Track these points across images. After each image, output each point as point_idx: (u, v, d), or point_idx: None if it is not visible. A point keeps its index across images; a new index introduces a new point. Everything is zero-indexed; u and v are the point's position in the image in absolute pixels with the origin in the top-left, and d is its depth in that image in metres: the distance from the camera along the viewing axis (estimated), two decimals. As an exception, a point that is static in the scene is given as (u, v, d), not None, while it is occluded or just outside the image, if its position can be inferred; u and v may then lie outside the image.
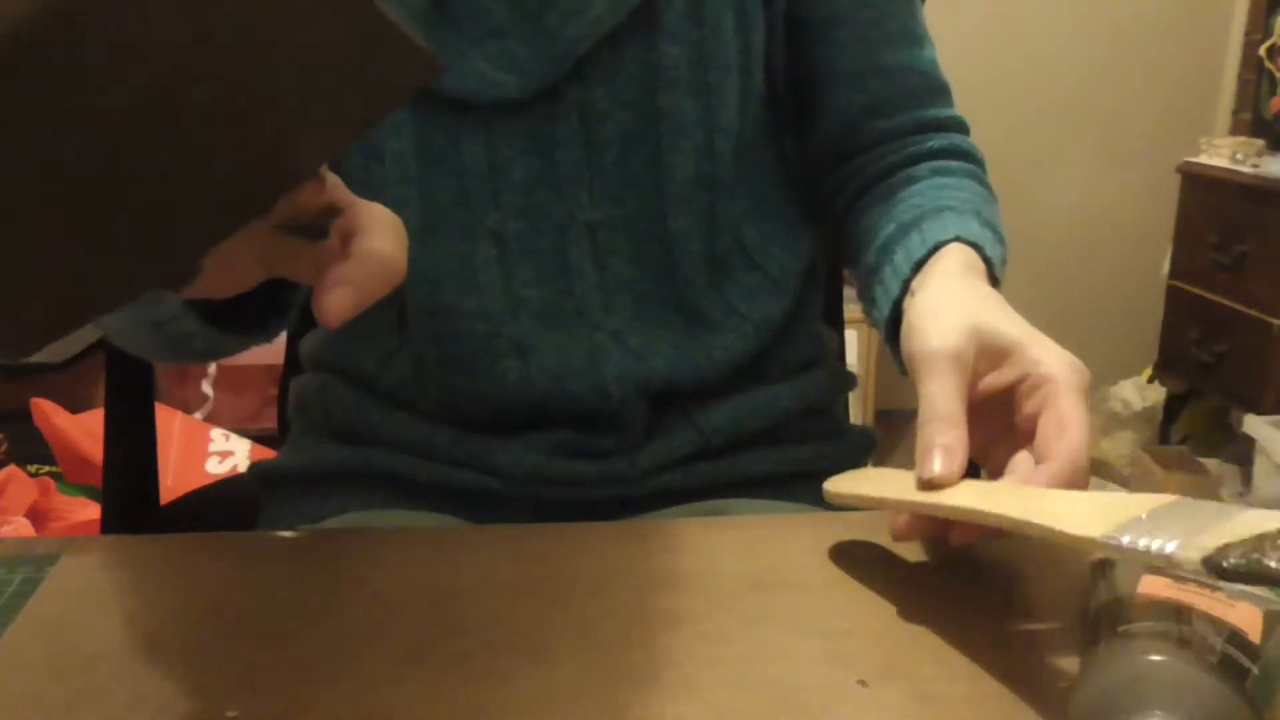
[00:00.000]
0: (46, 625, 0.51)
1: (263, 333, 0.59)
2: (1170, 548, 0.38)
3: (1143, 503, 0.43)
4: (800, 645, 0.50)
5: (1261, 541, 0.37)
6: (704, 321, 0.74)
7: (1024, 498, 0.47)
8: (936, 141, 0.77)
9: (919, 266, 0.66)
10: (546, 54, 0.68)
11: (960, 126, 0.79)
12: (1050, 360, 0.54)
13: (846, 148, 0.79)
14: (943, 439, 0.52)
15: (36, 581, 0.56)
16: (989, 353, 0.56)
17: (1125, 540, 0.39)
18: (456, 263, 0.71)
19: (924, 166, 0.76)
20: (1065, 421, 0.52)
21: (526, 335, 0.71)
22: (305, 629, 0.51)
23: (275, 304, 0.57)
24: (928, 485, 0.51)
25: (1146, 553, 0.39)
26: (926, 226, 0.68)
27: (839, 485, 0.57)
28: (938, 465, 0.52)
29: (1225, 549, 0.37)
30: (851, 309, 1.02)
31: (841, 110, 0.77)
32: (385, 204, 0.48)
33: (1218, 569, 0.37)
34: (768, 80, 0.76)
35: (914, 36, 0.78)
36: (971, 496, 0.49)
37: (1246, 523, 0.38)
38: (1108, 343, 3.16)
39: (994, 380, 0.56)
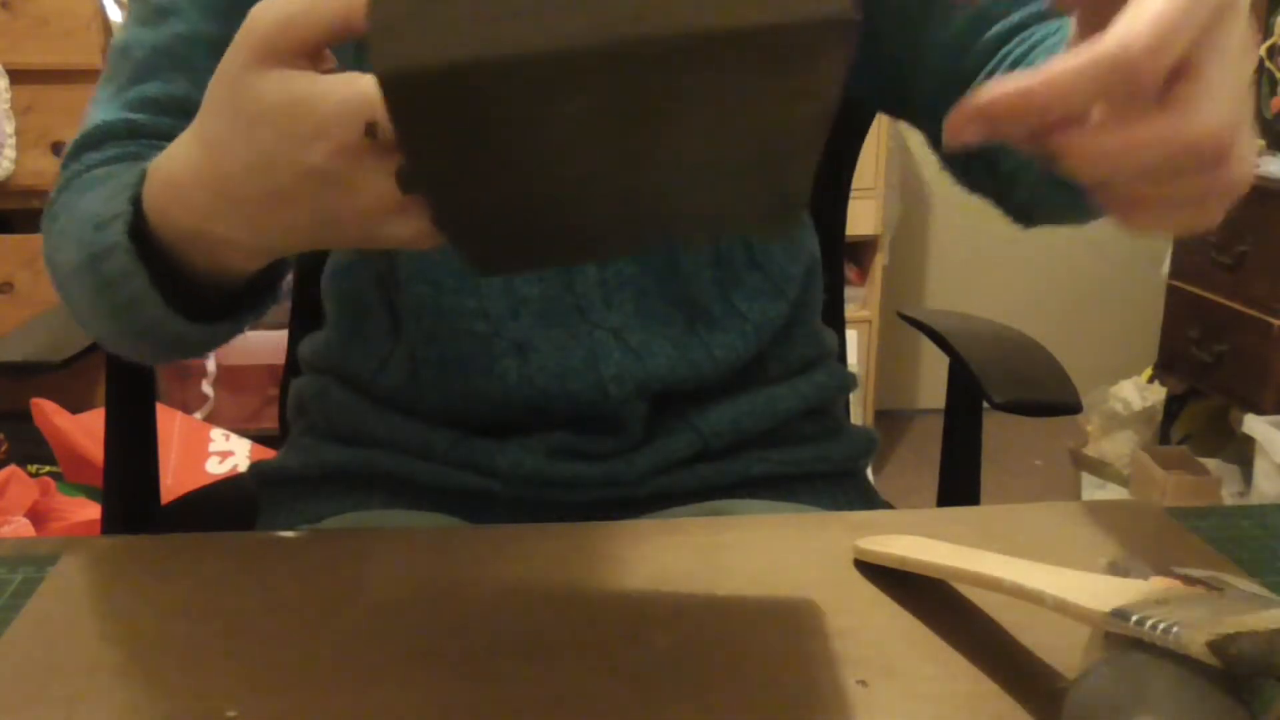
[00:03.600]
0: (46, 625, 0.51)
1: (251, 315, 0.58)
2: (1176, 629, 0.38)
3: (1162, 590, 0.42)
4: (800, 645, 0.50)
5: (1275, 635, 0.37)
6: (706, 318, 0.74)
7: (1048, 572, 0.47)
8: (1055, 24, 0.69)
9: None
10: None
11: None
12: None
13: (960, 72, 0.70)
14: None
15: (36, 581, 0.56)
16: None
17: (1134, 618, 0.39)
18: (457, 263, 0.71)
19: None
20: None
21: (526, 334, 0.71)
22: (305, 629, 0.51)
23: (268, 284, 0.57)
24: None
25: (1153, 632, 0.38)
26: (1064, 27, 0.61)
27: (869, 544, 0.57)
28: None
29: (1235, 637, 0.37)
30: (851, 309, 1.02)
31: (947, 39, 0.70)
32: None
33: (1223, 654, 0.36)
34: None
35: None
36: (998, 568, 0.49)
37: (1264, 618, 0.38)
38: (1108, 343, 3.16)
39: None
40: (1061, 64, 0.36)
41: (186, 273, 0.53)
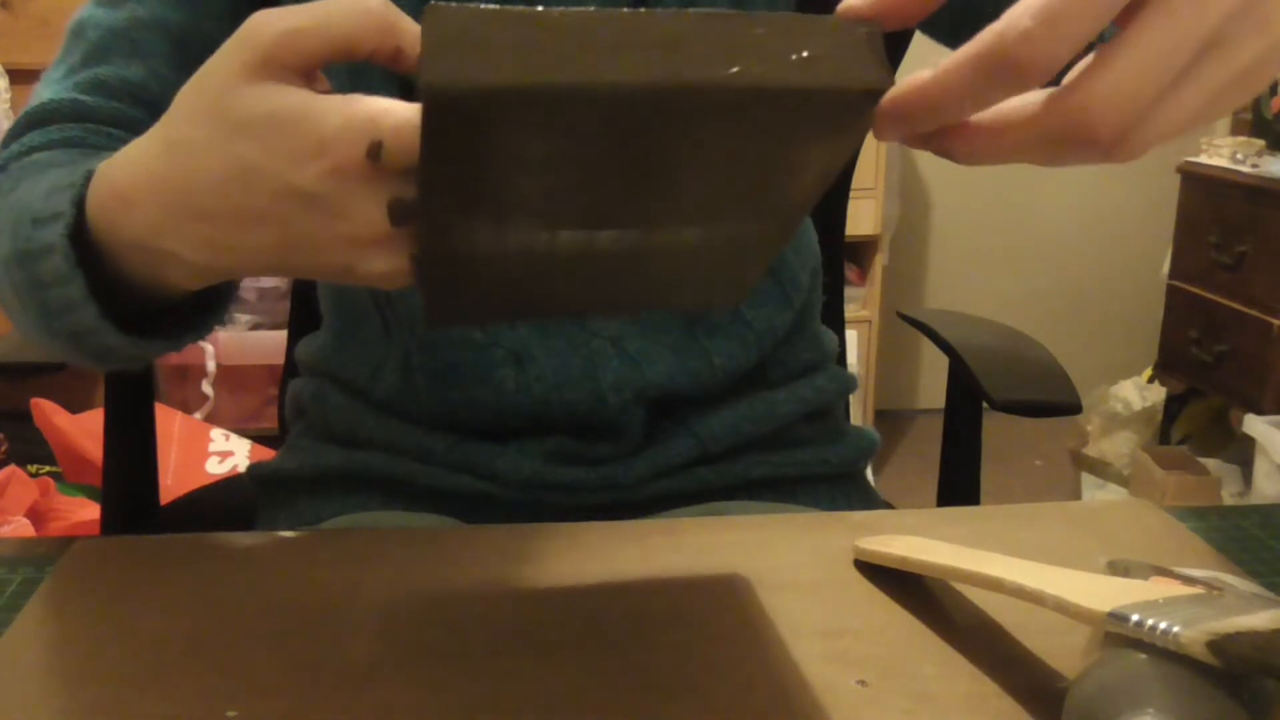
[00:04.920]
0: (46, 625, 0.51)
1: (191, 334, 0.55)
2: (1176, 629, 0.38)
3: (1162, 590, 0.42)
4: (800, 645, 0.50)
5: (1275, 635, 0.37)
6: (706, 325, 0.74)
7: (1048, 572, 0.47)
8: None
9: None
10: None
11: None
12: None
13: None
14: None
15: (36, 581, 0.56)
16: None
17: (1134, 618, 0.39)
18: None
19: None
20: None
21: (523, 343, 0.71)
22: (305, 629, 0.51)
23: (212, 305, 0.54)
24: None
25: (1153, 632, 0.38)
26: None
27: (869, 544, 0.57)
28: None
29: (1235, 637, 0.37)
30: (851, 309, 1.02)
31: None
32: None
33: (1223, 654, 0.36)
34: None
35: None
36: (998, 567, 0.49)
37: (1264, 618, 0.38)
38: (1108, 343, 3.16)
39: None
40: (951, 58, 0.35)
41: (125, 284, 0.50)
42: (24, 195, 0.53)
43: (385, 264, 0.43)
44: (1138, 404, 2.65)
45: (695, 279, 0.48)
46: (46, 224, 0.49)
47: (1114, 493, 2.54)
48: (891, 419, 3.06)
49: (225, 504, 0.97)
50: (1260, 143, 2.57)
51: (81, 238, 0.49)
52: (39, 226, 0.49)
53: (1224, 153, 2.56)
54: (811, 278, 0.80)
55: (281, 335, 1.05)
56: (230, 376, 2.38)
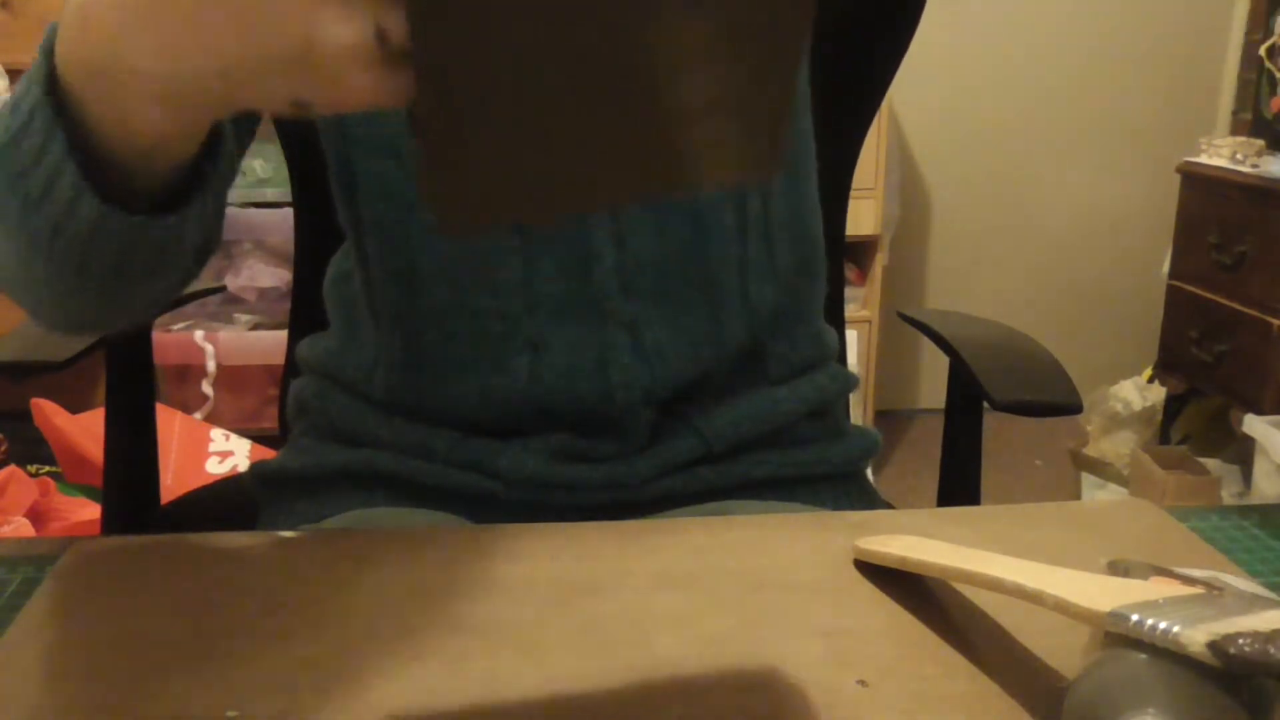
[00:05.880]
0: (46, 625, 0.51)
1: (173, 216, 0.51)
2: (1176, 629, 0.38)
3: (1162, 590, 0.42)
4: (800, 645, 0.50)
5: (1275, 635, 0.37)
6: (718, 295, 0.74)
7: (1048, 572, 0.47)
8: None
9: None
10: None
11: None
12: None
13: None
14: None
15: (36, 581, 0.56)
16: None
17: (1134, 618, 0.39)
18: (478, 260, 0.71)
19: None
20: None
21: (540, 331, 0.71)
22: (305, 629, 0.51)
23: (197, 176, 0.51)
24: None
25: (1153, 632, 0.38)
26: None
27: (868, 544, 0.57)
28: None
29: (1235, 637, 0.37)
30: (851, 309, 1.02)
31: None
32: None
33: (1223, 654, 0.37)
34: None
35: None
36: (997, 568, 0.49)
37: (1264, 618, 0.38)
38: (1108, 343, 3.16)
39: None
40: None
41: (98, 152, 0.47)
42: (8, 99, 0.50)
43: (348, 29, 0.37)
44: (1138, 404, 2.65)
45: (722, 125, 0.42)
46: (23, 97, 0.47)
47: (1114, 493, 2.54)
48: (891, 419, 3.06)
49: (225, 504, 0.97)
50: (1260, 143, 2.57)
51: (56, 99, 0.47)
52: (17, 109, 0.47)
53: (1224, 153, 2.56)
54: (802, 263, 0.80)
55: (281, 335, 1.06)
56: (230, 376, 2.38)
